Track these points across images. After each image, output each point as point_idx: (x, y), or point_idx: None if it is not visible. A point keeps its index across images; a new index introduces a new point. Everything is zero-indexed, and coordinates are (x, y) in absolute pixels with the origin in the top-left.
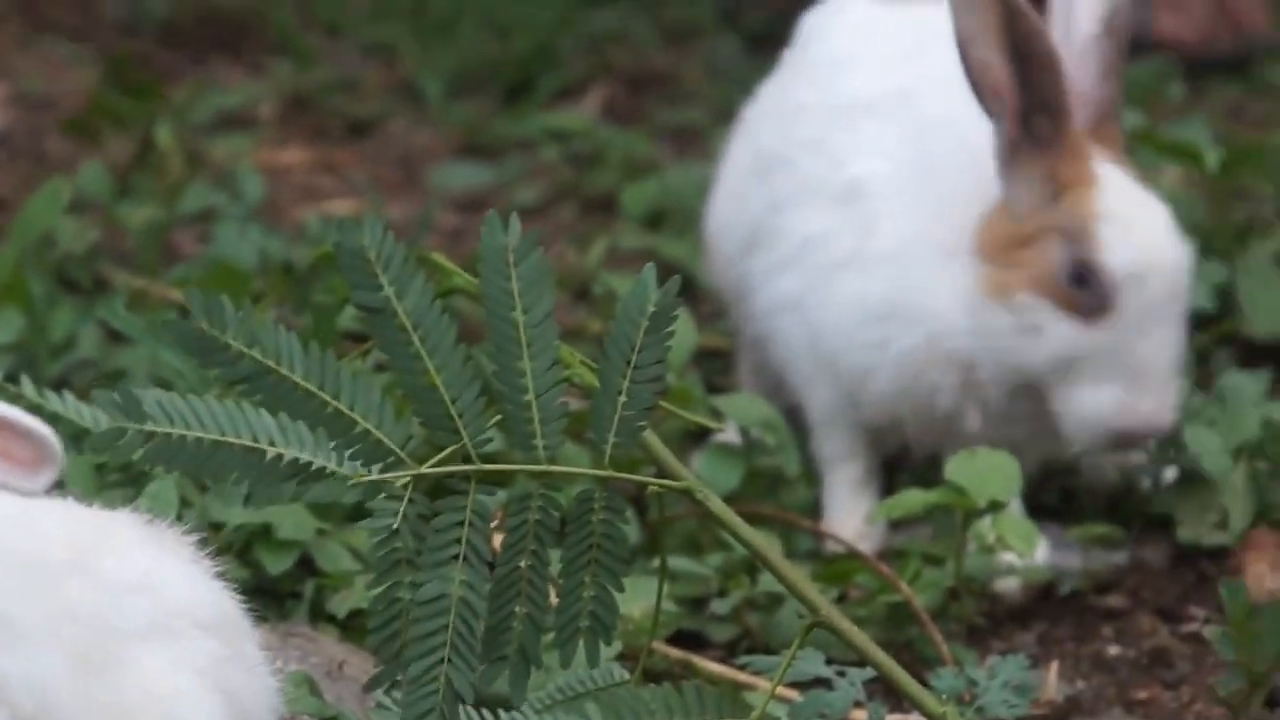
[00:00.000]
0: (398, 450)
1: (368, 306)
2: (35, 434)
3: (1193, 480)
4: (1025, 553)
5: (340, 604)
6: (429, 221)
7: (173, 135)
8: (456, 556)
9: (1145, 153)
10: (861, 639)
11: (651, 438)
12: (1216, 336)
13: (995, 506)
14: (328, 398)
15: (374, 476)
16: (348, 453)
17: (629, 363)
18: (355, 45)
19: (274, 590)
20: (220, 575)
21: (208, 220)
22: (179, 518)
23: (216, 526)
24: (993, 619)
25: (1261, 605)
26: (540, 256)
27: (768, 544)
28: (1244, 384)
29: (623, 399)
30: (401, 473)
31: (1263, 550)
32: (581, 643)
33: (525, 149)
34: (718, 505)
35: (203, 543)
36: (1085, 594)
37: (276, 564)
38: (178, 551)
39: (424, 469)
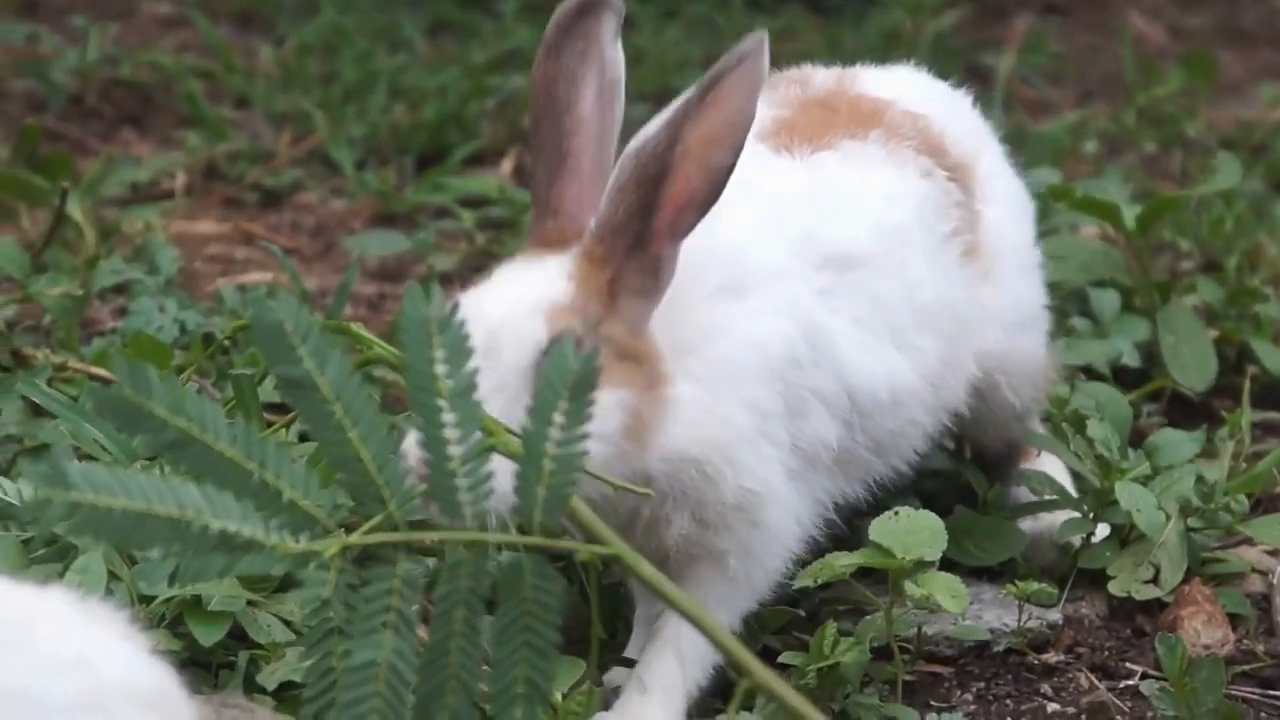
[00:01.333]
0: (324, 520)
1: (289, 380)
2: None
3: (1124, 536)
4: (955, 610)
5: (271, 676)
6: (347, 290)
7: (85, 209)
8: (386, 624)
9: (1063, 210)
10: (798, 700)
11: (579, 504)
12: (1144, 394)
13: (922, 565)
14: (254, 468)
15: (303, 546)
16: (274, 523)
17: (552, 430)
18: (264, 116)
19: (207, 662)
20: (153, 649)
21: (124, 293)
22: (108, 591)
23: (147, 599)
24: (928, 677)
25: (1197, 660)
26: (461, 326)
27: (699, 610)
28: (1176, 441)
29: (549, 466)
30: (329, 541)
31: (1197, 605)
32: (518, 711)
33: (440, 215)
34: (648, 571)
35: (134, 616)
36: (1022, 651)
37: (208, 635)
38: (111, 627)
39: (352, 539)
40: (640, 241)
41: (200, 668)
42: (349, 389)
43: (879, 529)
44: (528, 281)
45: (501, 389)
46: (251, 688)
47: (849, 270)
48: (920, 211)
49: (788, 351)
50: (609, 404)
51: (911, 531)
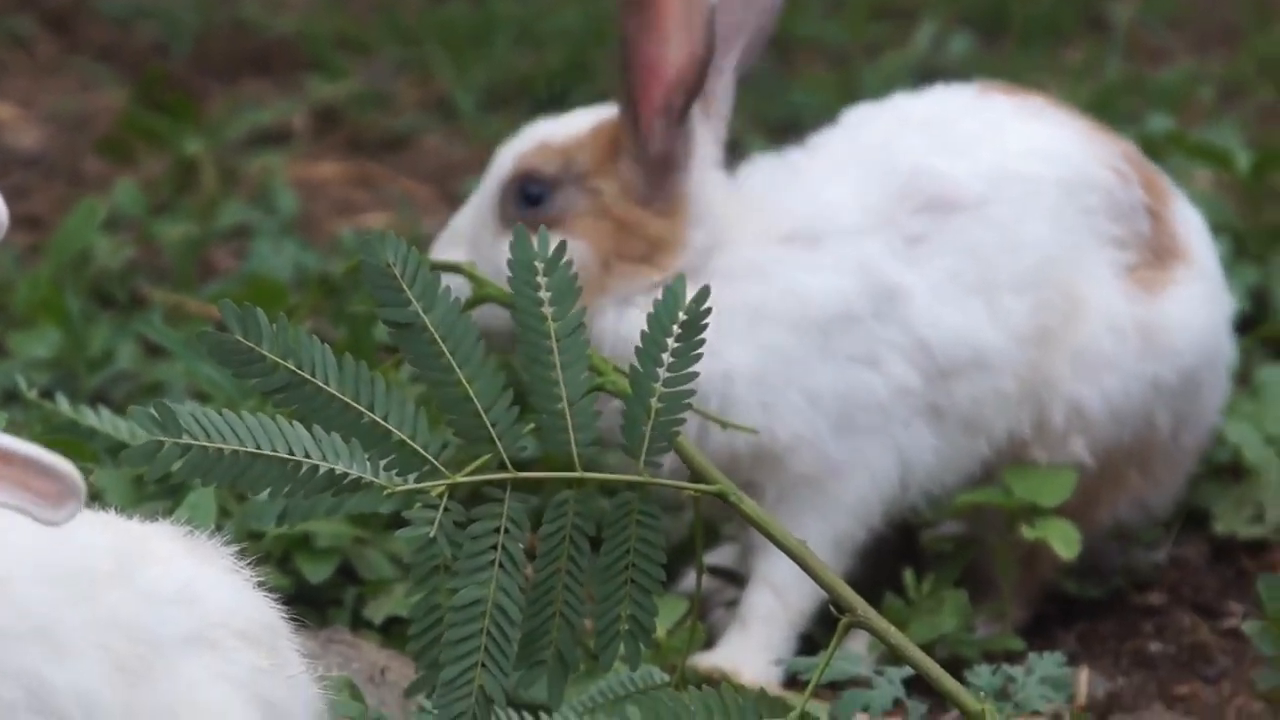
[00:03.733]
0: (433, 459)
1: (396, 322)
2: (56, 470)
3: (1229, 474)
4: (1068, 555)
5: (378, 610)
6: None
7: (207, 152)
8: (493, 562)
9: (1176, 156)
10: (899, 637)
11: (685, 442)
12: (1254, 339)
13: (1039, 510)
14: (363, 409)
15: (410, 486)
16: (383, 463)
17: (660, 370)
18: (387, 61)
19: (315, 598)
20: (260, 584)
21: (243, 236)
22: (218, 528)
23: (256, 536)
24: (1034, 618)
25: None
26: (569, 266)
27: (801, 547)
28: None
29: (656, 405)
30: (437, 481)
31: None
32: (622, 647)
33: None
34: (751, 507)
35: (242, 552)
36: (1125, 591)
37: (316, 572)
38: (217, 562)
39: (459, 477)
40: (634, 104)
41: (307, 604)
42: (456, 330)
43: (1012, 472)
44: (572, 121)
45: (473, 203)
46: (358, 623)
47: (951, 215)
48: (1080, 189)
49: (841, 307)
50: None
51: (1043, 480)
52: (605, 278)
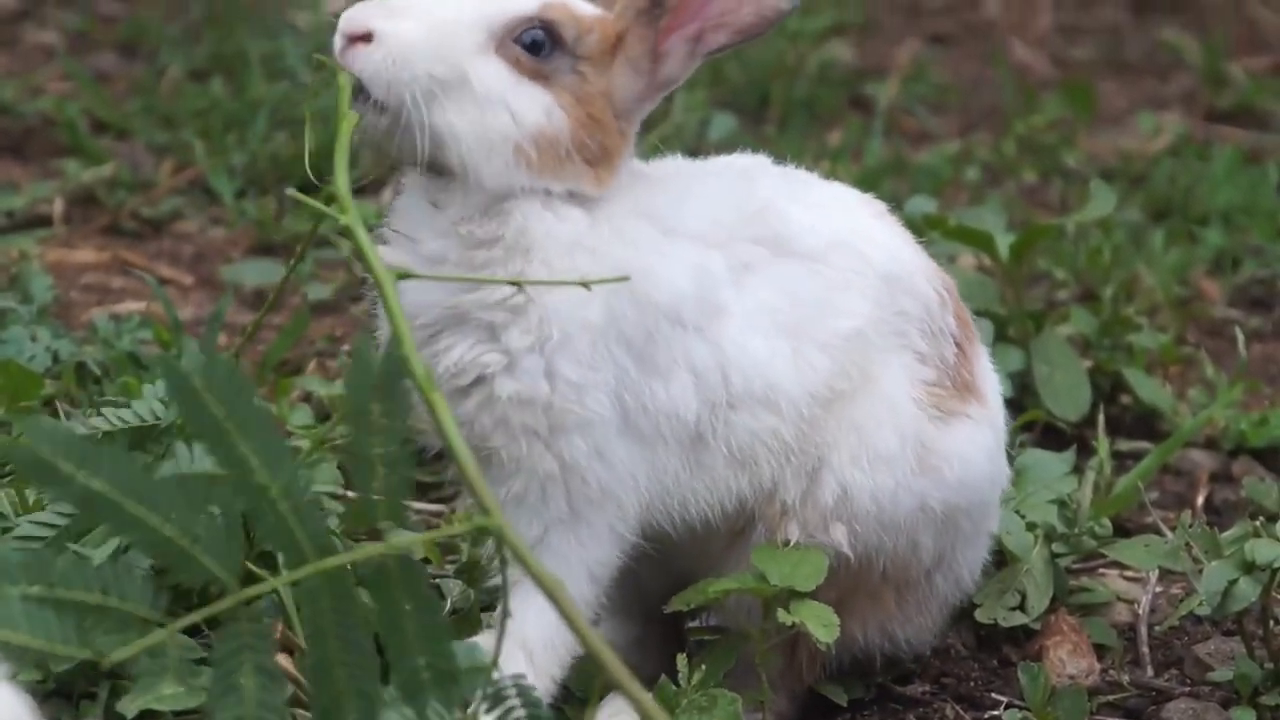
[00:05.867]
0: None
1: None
2: None
3: (991, 561)
4: (827, 639)
5: (131, 705)
6: (219, 319)
7: None
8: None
9: (937, 240)
10: (652, 706)
11: (469, 469)
12: (1018, 425)
13: (795, 594)
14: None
15: (128, 651)
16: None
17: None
18: (145, 146)
19: (69, 691)
20: (12, 676)
21: None
22: None
23: None
24: (798, 708)
25: (1061, 690)
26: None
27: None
28: (1044, 461)
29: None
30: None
31: (1062, 635)
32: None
33: (319, 245)
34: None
35: None
36: (887, 684)
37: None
38: None
39: (174, 627)
40: (654, 12)
41: (62, 697)
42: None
43: (760, 554)
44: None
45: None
46: (111, 717)
47: (785, 257)
48: (903, 292)
49: (674, 304)
50: (539, 100)
51: (795, 564)
52: (556, 163)
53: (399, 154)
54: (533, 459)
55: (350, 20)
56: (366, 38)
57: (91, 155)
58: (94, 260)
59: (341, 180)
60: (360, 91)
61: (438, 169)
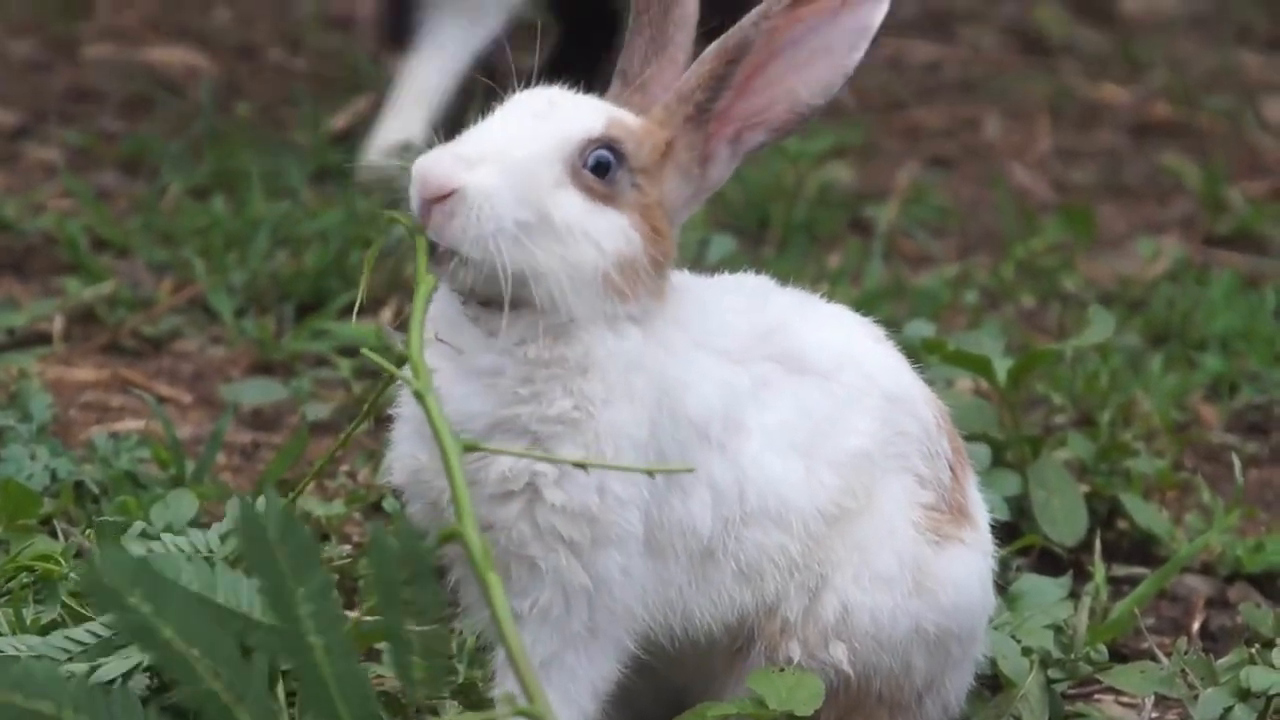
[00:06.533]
0: None
1: None
2: None
3: (986, 686)
4: None
5: None
6: (219, 439)
7: None
8: None
9: (935, 364)
10: None
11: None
12: (1014, 550)
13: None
14: None
15: None
16: None
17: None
18: (145, 264)
19: None
20: None
21: None
22: None
23: None
24: None
25: None
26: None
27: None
28: (1039, 586)
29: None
30: None
31: None
32: None
33: (319, 364)
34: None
35: None
36: None
37: None
38: None
39: None
40: (701, 118)
41: None
42: None
43: (757, 679)
44: (619, 110)
45: (513, 128)
46: None
47: (798, 374)
48: (904, 414)
49: (704, 420)
50: (616, 224)
51: (792, 688)
52: (635, 284)
53: (473, 293)
54: (570, 571)
55: (430, 182)
56: (448, 196)
57: (92, 273)
58: (93, 378)
59: (415, 343)
60: (435, 246)
61: (512, 303)
